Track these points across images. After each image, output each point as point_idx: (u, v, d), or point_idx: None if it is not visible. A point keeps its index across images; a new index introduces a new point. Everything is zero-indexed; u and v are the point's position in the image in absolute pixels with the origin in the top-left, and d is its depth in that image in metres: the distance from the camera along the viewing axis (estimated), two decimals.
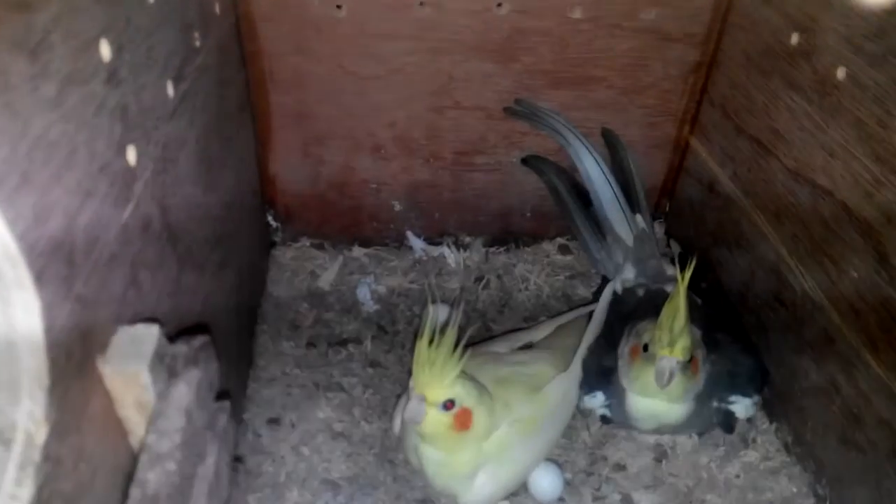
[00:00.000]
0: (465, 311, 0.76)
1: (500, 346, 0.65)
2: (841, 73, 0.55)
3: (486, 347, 0.65)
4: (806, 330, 0.60)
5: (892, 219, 0.50)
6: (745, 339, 0.66)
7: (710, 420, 0.62)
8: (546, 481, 0.58)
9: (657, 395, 0.57)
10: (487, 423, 0.53)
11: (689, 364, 0.55)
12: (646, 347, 0.56)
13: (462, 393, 0.51)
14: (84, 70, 0.32)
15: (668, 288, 0.66)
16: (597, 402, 0.62)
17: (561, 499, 0.59)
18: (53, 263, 0.28)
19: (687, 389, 0.57)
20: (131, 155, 0.36)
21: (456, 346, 0.50)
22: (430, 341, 0.49)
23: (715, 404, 0.61)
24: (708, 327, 0.61)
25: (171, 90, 0.44)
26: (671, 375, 0.54)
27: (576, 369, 0.62)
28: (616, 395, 0.61)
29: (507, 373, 0.59)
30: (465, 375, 0.52)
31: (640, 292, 0.68)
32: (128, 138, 0.36)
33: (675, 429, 0.62)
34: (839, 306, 0.56)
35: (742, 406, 0.61)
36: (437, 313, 0.73)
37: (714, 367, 0.59)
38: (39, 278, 0.26)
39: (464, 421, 0.52)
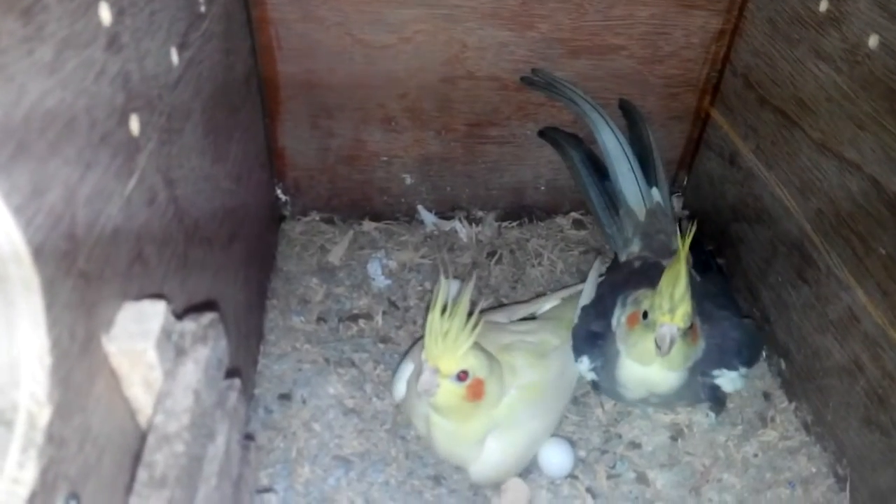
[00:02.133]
0: (477, 286, 0.75)
1: (500, 317, 0.64)
2: (873, 41, 0.52)
3: (486, 317, 0.64)
4: (830, 308, 0.58)
5: None
6: (737, 312, 0.64)
7: (699, 394, 0.60)
8: (557, 457, 0.57)
9: (654, 362, 0.56)
10: (498, 391, 0.53)
11: (688, 331, 0.54)
12: (645, 315, 0.55)
13: (475, 364, 0.51)
14: (82, 34, 0.30)
15: (665, 262, 0.65)
16: (583, 366, 0.61)
17: (574, 476, 0.58)
18: (53, 238, 0.26)
19: (686, 357, 0.56)
20: (134, 125, 0.35)
21: (468, 317, 0.50)
22: (443, 313, 0.49)
23: (700, 378, 0.59)
24: (701, 299, 0.59)
25: (175, 57, 0.42)
26: (672, 342, 0.53)
27: None
28: (605, 360, 0.60)
29: (511, 340, 0.59)
30: (477, 346, 0.51)
31: (637, 264, 0.66)
32: (130, 107, 0.35)
33: (664, 399, 0.60)
34: (865, 284, 0.54)
35: (727, 379, 0.60)
36: (449, 288, 0.72)
37: (705, 341, 0.58)
38: (38, 253, 0.25)
39: (477, 391, 0.51)
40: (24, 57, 0.25)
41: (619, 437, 0.62)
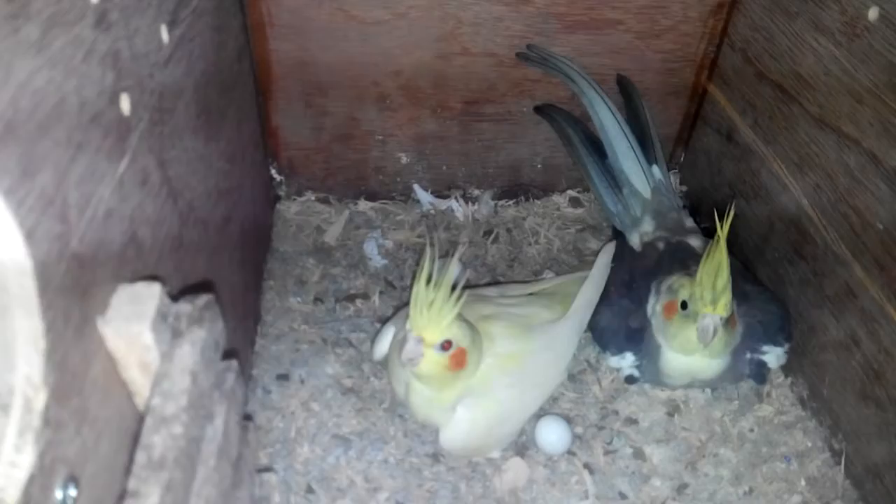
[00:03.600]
0: (473, 265, 0.75)
1: (490, 291, 0.65)
2: (873, 13, 0.52)
3: (476, 291, 0.64)
4: (827, 284, 0.58)
5: None
6: (768, 288, 0.65)
7: (742, 372, 0.61)
8: (554, 434, 0.57)
9: (697, 351, 0.56)
10: (477, 361, 0.54)
11: (728, 318, 0.54)
12: (683, 305, 0.55)
13: (458, 333, 0.52)
14: (69, 12, 0.29)
15: (690, 240, 0.65)
16: (626, 362, 0.61)
17: (571, 452, 0.58)
18: (45, 220, 0.26)
19: (727, 344, 0.56)
20: (125, 104, 0.34)
21: (452, 288, 0.50)
22: (428, 283, 0.49)
23: (748, 356, 0.60)
24: (734, 279, 0.59)
25: (165, 35, 0.41)
26: (715, 332, 0.53)
27: (574, 319, 0.61)
28: (648, 355, 0.60)
29: (493, 311, 0.59)
30: (460, 316, 0.52)
31: (661, 245, 0.66)
32: (120, 86, 0.34)
33: (708, 383, 0.61)
34: (863, 259, 0.54)
35: (774, 355, 0.60)
36: (442, 265, 0.72)
37: (745, 319, 0.58)
38: (31, 236, 0.25)
39: (459, 360, 0.52)
40: (10, 35, 0.24)
41: (616, 413, 0.62)
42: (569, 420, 0.60)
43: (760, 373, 0.61)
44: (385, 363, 0.61)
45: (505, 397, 0.56)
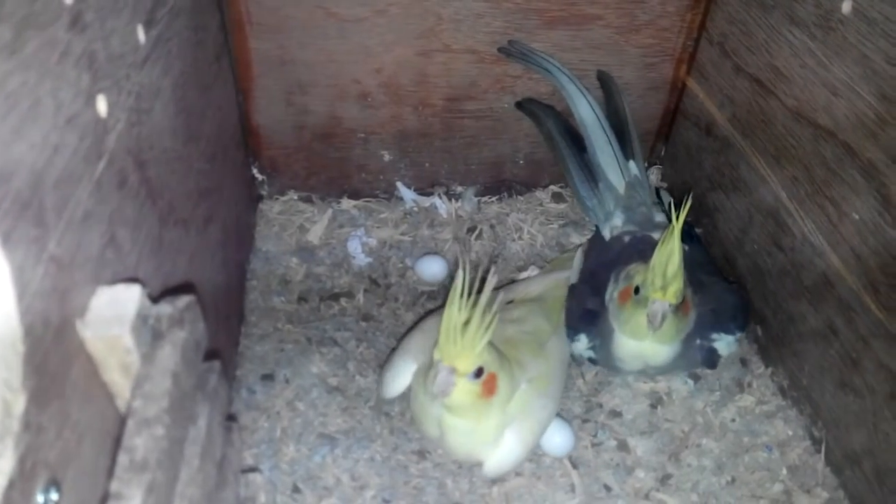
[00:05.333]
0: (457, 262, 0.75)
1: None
2: (846, 6, 0.52)
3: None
4: (805, 274, 0.59)
5: None
6: (725, 279, 0.66)
7: (695, 359, 0.61)
8: (559, 437, 0.58)
9: (647, 337, 0.57)
10: (509, 386, 0.53)
11: (680, 305, 0.55)
12: (636, 290, 0.55)
13: (489, 359, 0.50)
14: (43, 13, 0.29)
15: (656, 235, 0.65)
16: (581, 345, 0.61)
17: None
18: (22, 224, 0.26)
19: (678, 330, 0.57)
20: (101, 106, 0.34)
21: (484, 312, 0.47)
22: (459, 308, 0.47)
23: (698, 342, 0.60)
24: (691, 269, 0.60)
25: (142, 35, 0.41)
26: (663, 318, 0.54)
27: None
28: (601, 337, 0.60)
29: (512, 332, 0.58)
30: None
31: (626, 239, 0.67)
32: (97, 88, 0.34)
33: (661, 370, 0.61)
34: (839, 250, 0.55)
35: (725, 343, 0.61)
36: (427, 267, 0.73)
37: (699, 308, 0.59)
38: (7, 240, 0.25)
39: (490, 387, 0.50)
40: None
41: (601, 406, 0.63)
42: (566, 421, 0.60)
43: (711, 359, 0.61)
44: (394, 401, 0.59)
45: (544, 417, 0.56)
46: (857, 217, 0.53)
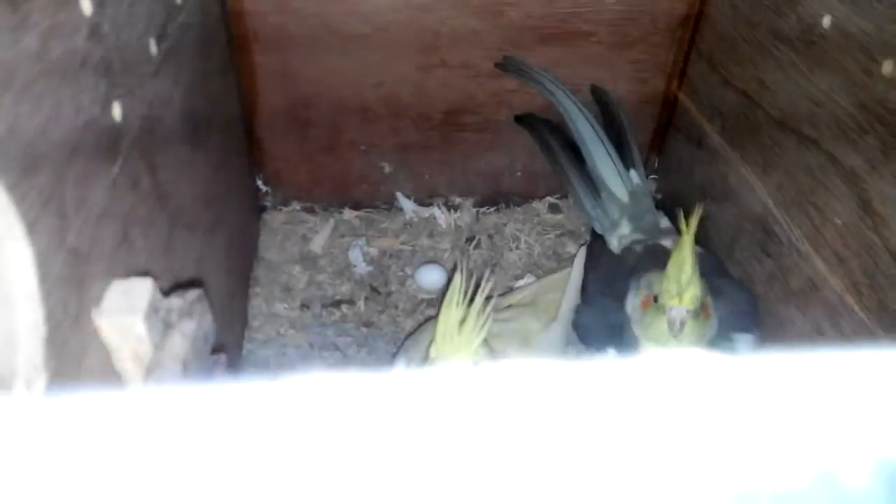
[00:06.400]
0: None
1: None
2: (826, 21, 0.55)
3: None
4: (792, 279, 0.61)
5: (875, 166, 0.51)
6: (738, 281, 0.67)
7: None
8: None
9: (670, 343, 0.58)
10: None
11: (701, 310, 0.56)
12: (656, 298, 0.57)
13: (483, 355, 0.52)
14: (65, 24, 0.31)
15: (665, 242, 0.67)
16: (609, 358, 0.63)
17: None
18: (45, 215, 0.28)
19: (700, 335, 0.58)
20: (117, 111, 0.36)
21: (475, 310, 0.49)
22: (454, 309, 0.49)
23: (721, 344, 0.61)
24: (708, 275, 0.62)
25: (153, 48, 0.43)
26: (682, 324, 0.55)
27: (562, 325, 0.63)
28: (628, 349, 0.62)
29: (498, 329, 0.60)
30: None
31: (639, 248, 0.68)
32: (113, 94, 0.36)
33: None
34: (823, 254, 0.57)
35: (745, 342, 0.62)
36: (427, 276, 0.74)
37: (718, 312, 0.60)
38: (32, 229, 0.27)
39: None
40: (13, 44, 0.26)
41: None
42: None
43: None
44: None
45: None
46: (839, 222, 0.55)
